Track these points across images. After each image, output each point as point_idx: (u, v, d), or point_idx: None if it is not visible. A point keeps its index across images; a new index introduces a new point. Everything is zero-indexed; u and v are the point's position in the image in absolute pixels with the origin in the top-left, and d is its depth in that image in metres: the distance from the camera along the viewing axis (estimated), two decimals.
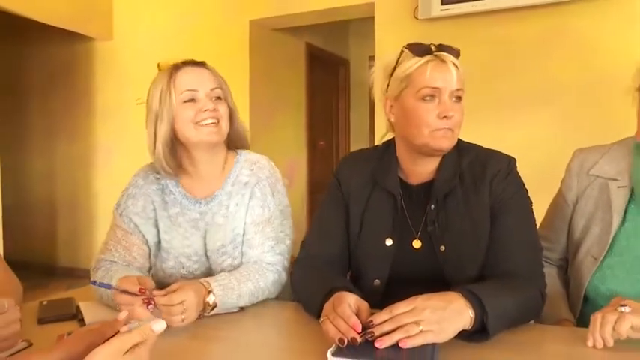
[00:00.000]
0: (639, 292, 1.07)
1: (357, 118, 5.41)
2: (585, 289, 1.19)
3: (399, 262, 1.14)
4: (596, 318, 0.91)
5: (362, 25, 3.79)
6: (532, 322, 1.08)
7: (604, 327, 0.89)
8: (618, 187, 1.19)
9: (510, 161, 1.16)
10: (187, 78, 1.24)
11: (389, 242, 1.15)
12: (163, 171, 1.27)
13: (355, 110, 5.43)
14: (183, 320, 1.01)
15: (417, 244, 1.15)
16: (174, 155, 1.26)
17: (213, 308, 1.09)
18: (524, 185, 1.17)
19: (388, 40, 2.97)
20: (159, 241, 1.32)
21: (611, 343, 0.89)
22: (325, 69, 4.96)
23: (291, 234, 1.34)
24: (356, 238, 1.19)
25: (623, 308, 0.89)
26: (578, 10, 2.48)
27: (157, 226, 1.31)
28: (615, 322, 0.88)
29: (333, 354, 0.82)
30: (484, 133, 2.51)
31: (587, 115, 2.42)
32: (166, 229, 1.30)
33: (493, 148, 1.20)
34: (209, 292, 1.09)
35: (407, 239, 1.15)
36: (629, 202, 1.18)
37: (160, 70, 1.29)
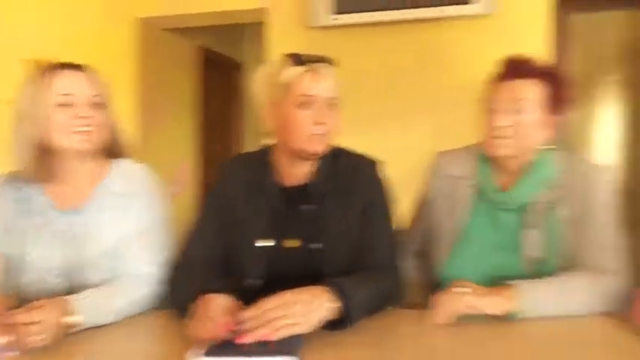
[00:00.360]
0: (485, 275, 1.23)
1: (252, 122, 5.42)
2: (441, 275, 1.33)
3: (276, 262, 1.19)
4: (439, 298, 1.06)
5: (256, 29, 3.82)
6: (391, 307, 1.19)
7: (446, 306, 1.04)
8: (466, 185, 1.35)
9: (377, 165, 1.27)
10: (65, 82, 1.20)
11: (265, 243, 1.20)
12: (27, 177, 1.21)
13: (250, 114, 5.44)
14: (42, 340, 0.96)
15: (293, 243, 1.21)
16: (43, 161, 1.21)
17: (75, 327, 1.04)
18: (388, 186, 1.28)
19: (278, 47, 3.03)
20: (20, 254, 1.23)
21: (452, 319, 1.05)
22: (220, 72, 4.92)
23: (171, 245, 1.31)
24: (233, 240, 1.22)
25: (462, 289, 1.04)
26: (454, 25, 2.71)
27: (14, 237, 1.23)
28: (455, 302, 1.04)
29: (206, 354, 0.85)
30: (369, 138, 2.66)
31: (457, 122, 2.65)
32: (27, 241, 1.23)
33: (363, 153, 1.31)
34: (71, 311, 1.04)
35: (283, 239, 1.21)
36: (475, 198, 1.34)
37: (34, 69, 1.23)
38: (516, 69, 1.26)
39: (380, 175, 1.28)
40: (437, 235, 1.38)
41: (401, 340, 1.02)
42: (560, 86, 1.26)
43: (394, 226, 1.27)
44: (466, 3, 2.60)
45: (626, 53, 2.90)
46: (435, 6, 2.64)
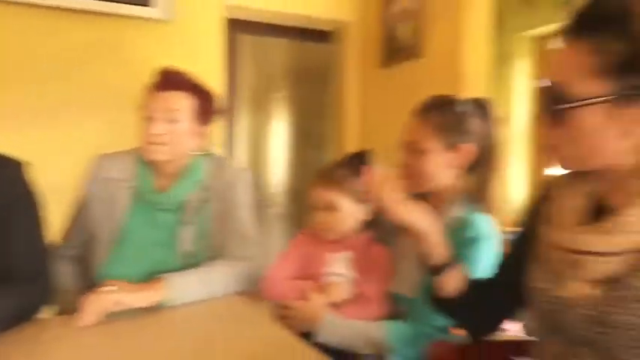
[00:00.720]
0: (145, 272, 1.30)
1: None
2: (100, 277, 1.34)
3: None
4: (85, 300, 1.09)
5: None
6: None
7: (92, 306, 1.08)
8: (125, 187, 1.41)
9: (20, 166, 1.17)
10: None
11: None
12: None
13: None
14: None
15: None
16: None
17: None
18: (34, 189, 1.19)
19: None
20: None
21: (100, 318, 1.09)
22: None
23: None
24: None
25: (109, 289, 1.10)
26: (131, 25, 2.67)
27: None
28: (102, 301, 1.08)
29: None
30: (33, 135, 2.40)
31: (131, 123, 2.63)
32: None
33: (4, 153, 1.18)
34: None
35: None
36: (134, 199, 1.42)
37: None
38: (170, 81, 1.39)
39: (26, 176, 1.18)
40: (95, 238, 1.39)
41: (44, 346, 1.01)
42: (208, 100, 1.44)
43: (42, 231, 1.21)
44: (146, 5, 2.64)
45: (290, 75, 3.46)
46: (113, 2, 2.58)
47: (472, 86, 2.44)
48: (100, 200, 1.41)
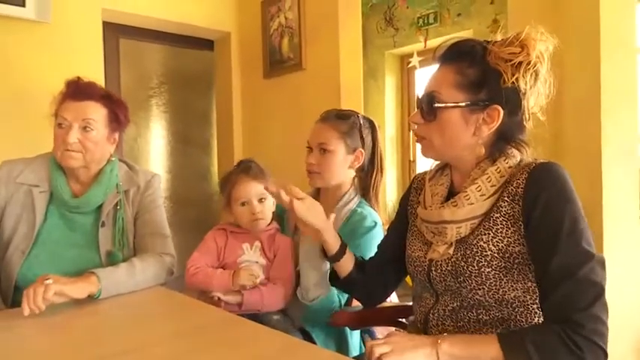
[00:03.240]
0: (63, 272, 1.32)
1: None
2: (16, 278, 1.39)
3: None
4: (28, 292, 1.14)
5: None
6: None
7: (36, 297, 1.14)
8: (40, 191, 1.46)
9: None
10: None
11: None
12: None
13: None
14: None
15: None
16: None
17: None
18: None
19: None
20: None
21: (43, 308, 1.15)
22: None
23: None
24: None
25: (47, 281, 1.16)
26: (7, 25, 2.52)
27: None
28: (41, 293, 1.14)
29: None
30: None
31: (14, 127, 2.51)
32: None
33: None
34: None
35: None
36: (49, 203, 1.46)
37: None
38: (83, 91, 1.45)
39: None
40: (10, 240, 1.41)
41: None
42: (119, 108, 1.52)
43: None
44: (22, 5, 2.54)
45: (173, 80, 3.48)
46: None
47: (349, 97, 2.76)
48: (12, 205, 1.43)
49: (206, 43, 3.55)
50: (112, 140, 1.53)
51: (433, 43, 4.09)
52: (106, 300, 1.29)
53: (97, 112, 1.45)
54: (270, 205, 1.53)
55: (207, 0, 3.27)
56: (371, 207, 1.57)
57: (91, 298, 1.27)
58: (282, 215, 1.68)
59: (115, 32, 3.15)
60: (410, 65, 4.42)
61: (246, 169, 1.54)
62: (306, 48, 2.92)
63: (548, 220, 0.91)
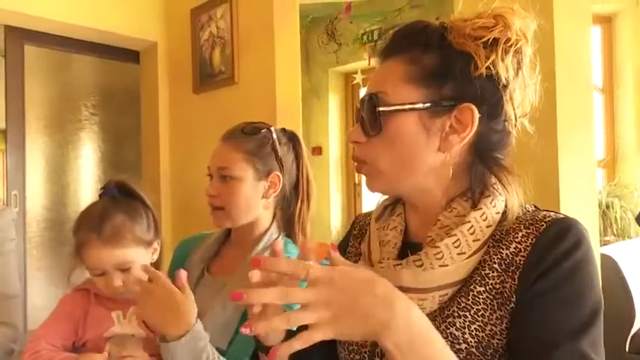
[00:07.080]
0: None
1: None
2: None
3: None
4: None
5: None
6: None
7: None
8: None
9: None
10: None
11: None
12: None
13: None
14: None
15: None
16: None
17: None
18: None
19: None
20: None
21: None
22: None
23: None
24: None
25: None
26: None
27: None
28: None
29: None
30: None
31: None
32: None
33: None
34: None
35: None
36: None
37: None
38: None
39: None
40: None
41: None
42: None
43: None
44: None
45: (94, 94, 3.11)
46: None
47: (286, 115, 2.49)
48: None
49: (130, 54, 3.20)
50: None
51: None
52: None
53: None
54: (141, 272, 0.97)
55: (130, 6, 2.93)
56: (295, 244, 1.19)
57: None
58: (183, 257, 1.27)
59: (19, 38, 2.75)
60: (354, 82, 4.23)
61: (98, 226, 1.01)
62: (239, 60, 2.63)
63: (557, 308, 0.62)
